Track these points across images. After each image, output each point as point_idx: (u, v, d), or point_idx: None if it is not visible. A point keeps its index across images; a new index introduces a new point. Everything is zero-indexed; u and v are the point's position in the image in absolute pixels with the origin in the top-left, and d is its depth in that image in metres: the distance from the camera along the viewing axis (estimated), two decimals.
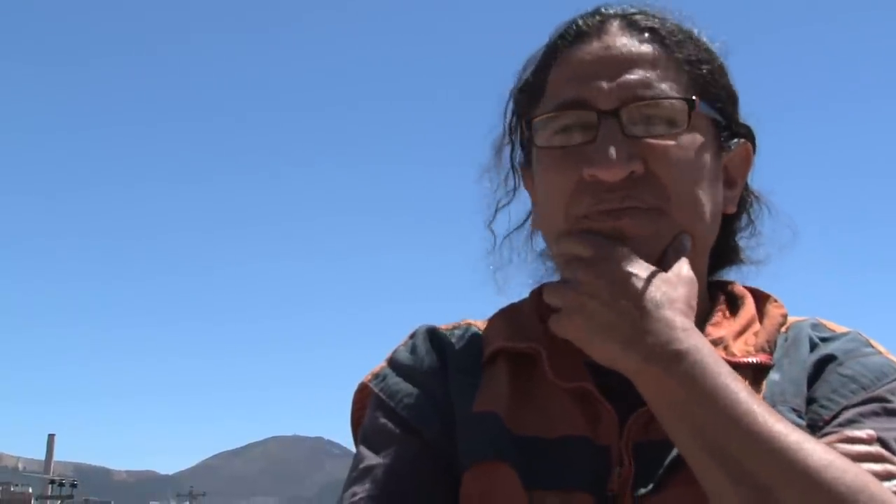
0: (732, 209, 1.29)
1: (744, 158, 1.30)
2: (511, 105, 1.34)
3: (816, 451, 0.99)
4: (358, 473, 1.21)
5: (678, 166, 1.18)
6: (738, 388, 1.04)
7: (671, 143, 1.18)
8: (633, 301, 1.08)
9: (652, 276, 1.11)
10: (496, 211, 1.38)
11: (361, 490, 1.18)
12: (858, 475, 0.99)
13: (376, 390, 1.27)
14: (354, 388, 1.34)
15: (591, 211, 1.16)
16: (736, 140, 1.28)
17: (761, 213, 1.35)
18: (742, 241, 1.35)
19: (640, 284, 1.10)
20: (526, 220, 1.38)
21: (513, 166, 1.36)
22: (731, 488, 1.00)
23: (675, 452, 1.11)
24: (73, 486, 59.09)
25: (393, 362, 1.30)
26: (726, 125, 1.27)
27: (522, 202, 1.38)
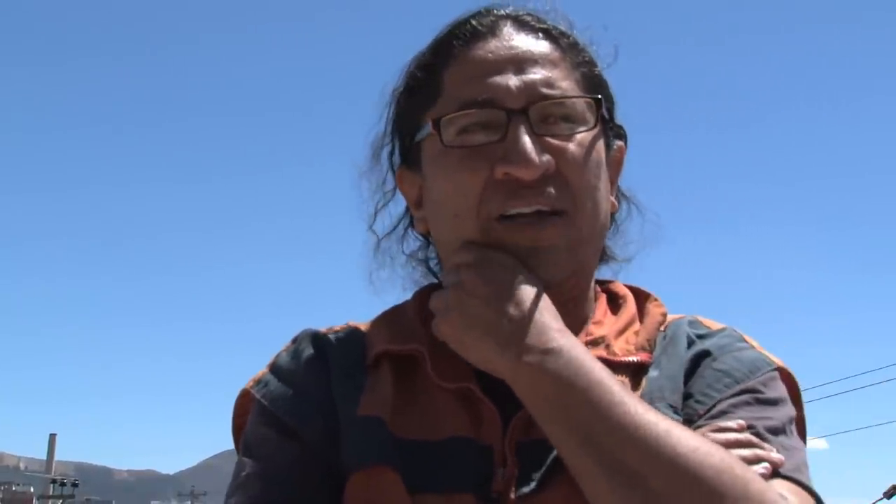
0: (615, 209, 1.33)
1: (619, 160, 1.33)
2: (394, 106, 1.33)
3: (684, 438, 1.03)
4: (240, 481, 1.19)
5: (582, 166, 1.19)
6: (611, 383, 1.06)
7: (575, 142, 1.19)
8: (513, 303, 1.09)
9: (532, 282, 1.13)
10: (376, 212, 1.39)
11: (244, 498, 1.17)
12: (724, 458, 1.02)
13: (258, 396, 1.26)
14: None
15: (505, 212, 1.16)
16: (615, 141, 1.32)
17: (630, 212, 1.39)
18: (608, 240, 1.36)
19: (520, 288, 1.11)
20: (399, 222, 1.40)
21: (392, 167, 1.36)
22: (603, 477, 1.02)
23: (556, 451, 1.11)
24: (75, 485, 59.12)
25: (275, 367, 1.29)
26: (610, 126, 1.30)
27: (394, 204, 1.39)
